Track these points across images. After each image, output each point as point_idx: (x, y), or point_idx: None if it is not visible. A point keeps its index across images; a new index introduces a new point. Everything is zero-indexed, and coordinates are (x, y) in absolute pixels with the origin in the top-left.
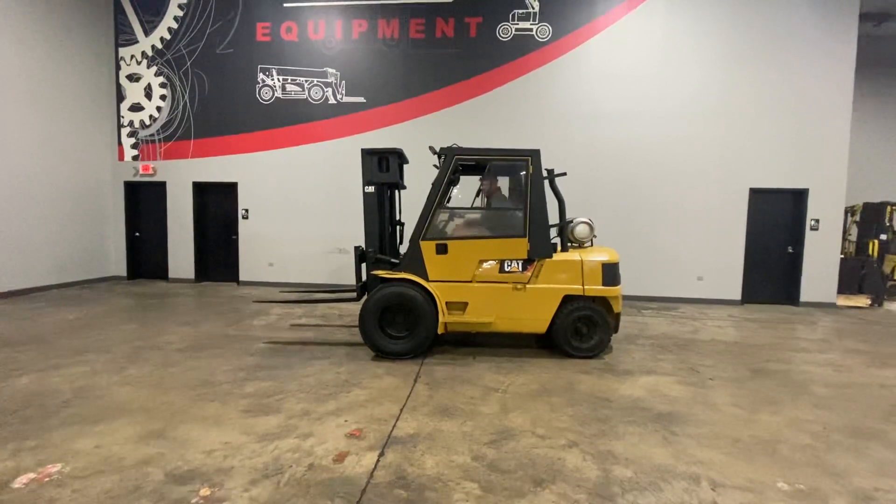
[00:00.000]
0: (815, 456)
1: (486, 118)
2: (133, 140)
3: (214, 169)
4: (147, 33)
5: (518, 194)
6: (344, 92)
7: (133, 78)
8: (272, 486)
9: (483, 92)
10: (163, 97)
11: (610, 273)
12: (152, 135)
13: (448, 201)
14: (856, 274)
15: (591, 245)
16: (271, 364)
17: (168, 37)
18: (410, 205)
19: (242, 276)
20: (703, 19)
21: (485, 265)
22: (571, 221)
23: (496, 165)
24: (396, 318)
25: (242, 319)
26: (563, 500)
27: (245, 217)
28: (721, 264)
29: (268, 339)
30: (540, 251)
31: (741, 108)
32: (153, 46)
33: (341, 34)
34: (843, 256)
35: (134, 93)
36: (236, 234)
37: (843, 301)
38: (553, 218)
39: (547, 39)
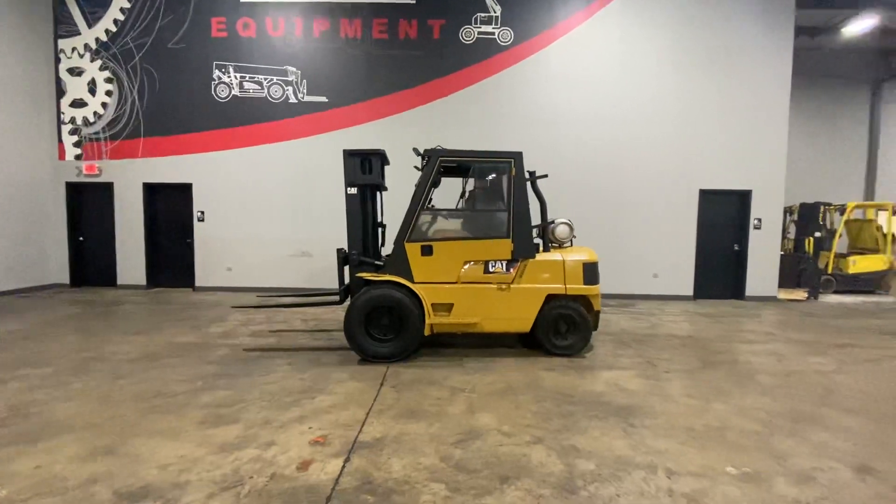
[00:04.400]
0: (760, 441)
1: (450, 120)
2: (75, 138)
3: (167, 169)
4: (90, 25)
5: (498, 195)
6: (305, 91)
7: (75, 72)
8: (232, 498)
9: (447, 94)
10: (108, 93)
11: (590, 272)
12: (97, 132)
13: (430, 203)
14: (794, 269)
15: (571, 245)
16: (230, 372)
17: (114, 29)
18: (386, 206)
19: (199, 282)
20: (655, 29)
21: (469, 266)
22: (553, 222)
23: (479, 167)
24: (382, 321)
25: (199, 327)
26: (528, 495)
27: (201, 219)
28: (675, 262)
29: (227, 346)
30: (523, 252)
31: (691, 113)
32: (97, 39)
33: (302, 32)
34: (782, 253)
35: (76, 88)
36: (191, 237)
37: (783, 295)
38: (534, 219)
39: (509, 43)
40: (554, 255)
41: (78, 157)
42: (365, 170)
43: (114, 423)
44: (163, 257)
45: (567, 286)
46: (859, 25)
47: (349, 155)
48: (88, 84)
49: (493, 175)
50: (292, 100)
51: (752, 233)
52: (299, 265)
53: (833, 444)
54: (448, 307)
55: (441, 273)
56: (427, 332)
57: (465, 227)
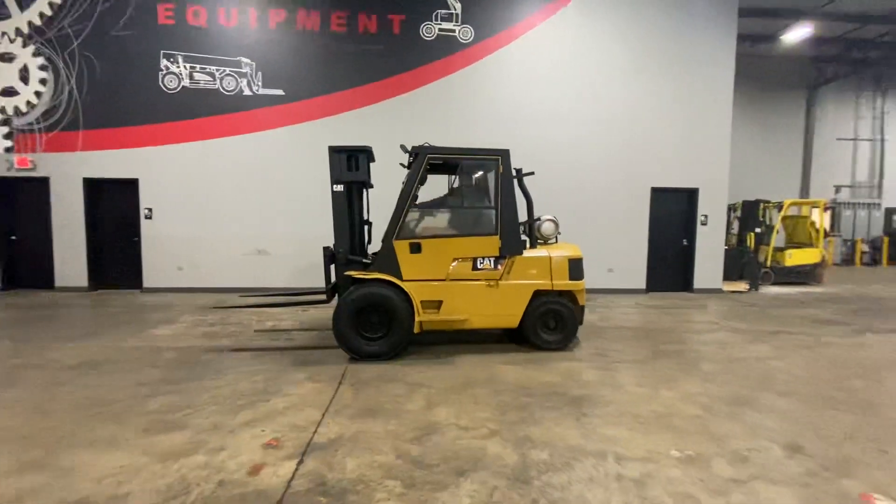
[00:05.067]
0: (702, 425)
1: (411, 116)
2: (6, 129)
3: (110, 163)
4: (23, 7)
5: (483, 192)
6: (261, 84)
7: (5, 58)
8: None
9: (408, 90)
10: (43, 81)
11: (575, 268)
12: (30, 123)
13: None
14: (737, 263)
15: (556, 241)
16: (179, 377)
17: (49, 13)
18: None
19: (147, 282)
20: (609, 33)
21: (458, 263)
22: (539, 219)
23: (466, 164)
24: (371, 319)
25: (146, 329)
26: (483, 487)
27: (148, 217)
28: (629, 257)
29: (175, 349)
30: (511, 249)
31: (643, 114)
32: (30, 23)
33: (256, 23)
34: (726, 248)
35: (6, 75)
36: (138, 235)
37: (727, 287)
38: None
39: (470, 41)
40: (540, 252)
41: (8, 150)
42: (351, 166)
43: (48, 434)
44: (107, 257)
45: (553, 282)
46: (796, 35)
47: (334, 151)
48: (20, 71)
49: (479, 172)
50: (247, 92)
51: (699, 229)
52: (255, 264)
53: (767, 425)
54: (437, 304)
55: (430, 270)
56: (417, 329)
57: (454, 224)
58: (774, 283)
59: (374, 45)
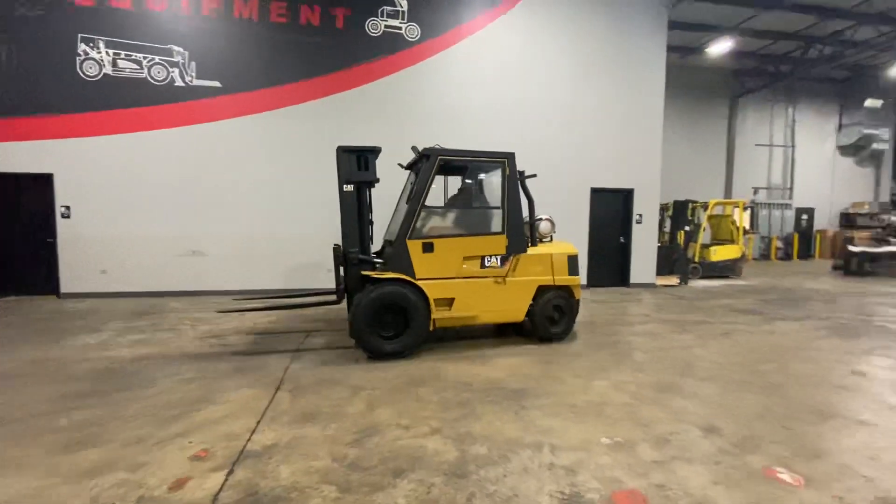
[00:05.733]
0: (630, 412)
1: (357, 113)
2: None
3: (19, 156)
4: None
5: (485, 193)
6: (194, 74)
7: None
8: None
9: (353, 86)
10: None
11: (573, 264)
12: None
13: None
14: (669, 259)
15: (552, 240)
16: (101, 389)
17: None
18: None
19: (65, 287)
20: (552, 37)
21: (467, 261)
22: (540, 219)
23: (473, 166)
24: (385, 318)
25: (65, 338)
26: (420, 486)
27: (66, 216)
28: None
29: (99, 359)
30: (517, 247)
31: (584, 117)
32: None
33: (189, 8)
34: (659, 245)
35: None
36: (53, 236)
37: (660, 281)
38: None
39: (417, 39)
40: (541, 250)
41: None
42: (361, 166)
43: None
44: (15, 260)
45: (555, 277)
46: (719, 48)
47: (344, 151)
48: None
49: (482, 174)
50: (179, 83)
51: (635, 227)
52: (191, 266)
53: (688, 409)
54: (449, 302)
55: (442, 269)
56: (430, 327)
57: (463, 224)
58: (702, 277)
59: (318, 39)
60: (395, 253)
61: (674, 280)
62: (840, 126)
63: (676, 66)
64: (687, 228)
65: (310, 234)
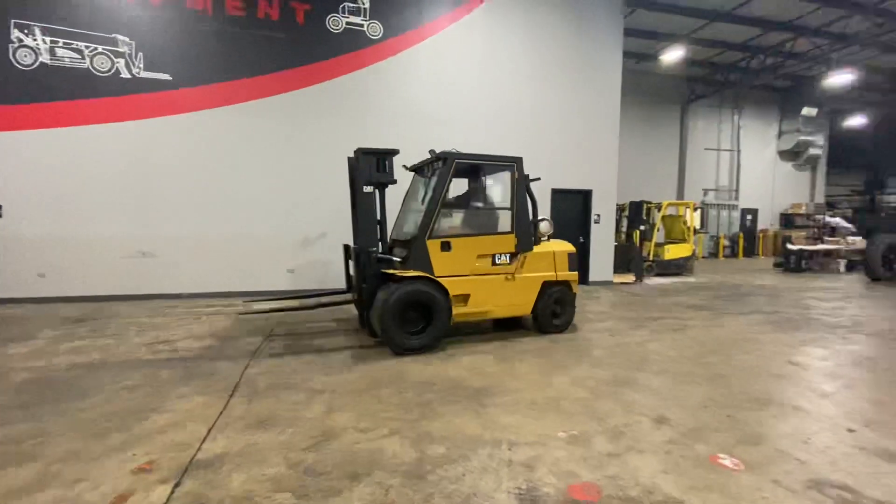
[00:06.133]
0: (586, 406)
1: (317, 110)
2: None
3: None
4: None
5: (492, 194)
6: (142, 66)
7: None
8: None
9: (314, 83)
10: None
11: (572, 261)
12: None
13: (415, 200)
14: (625, 257)
15: (549, 239)
16: (32, 401)
17: None
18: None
19: None
20: (513, 40)
21: (481, 259)
22: (543, 219)
23: (486, 168)
24: (408, 315)
25: None
26: (377, 489)
27: None
28: None
29: (31, 369)
30: (524, 245)
31: (544, 119)
32: None
33: None
34: (616, 244)
35: None
36: None
37: (617, 279)
38: None
39: (379, 37)
40: (545, 248)
41: None
42: (380, 168)
43: None
44: None
45: (557, 273)
46: (671, 56)
47: (364, 153)
48: None
49: (487, 177)
50: (125, 75)
51: (594, 227)
52: (139, 268)
53: (641, 401)
54: (465, 298)
55: (458, 267)
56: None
57: (476, 224)
58: (656, 275)
59: (277, 34)
60: (416, 251)
61: (630, 278)
62: (780, 132)
63: (632, 72)
64: (642, 228)
65: (268, 233)
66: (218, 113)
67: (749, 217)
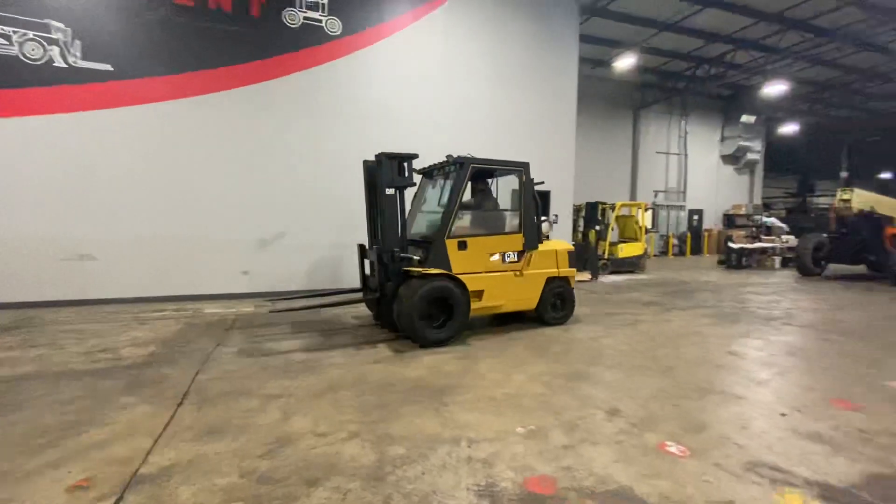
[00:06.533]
0: (544, 401)
1: (272, 106)
2: None
3: None
4: None
5: (487, 197)
6: (79, 55)
7: None
8: None
9: (268, 78)
10: None
11: (571, 258)
12: None
13: (425, 202)
14: (581, 256)
15: (548, 238)
16: None
17: None
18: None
19: None
20: (473, 42)
21: (493, 257)
22: (544, 220)
23: (496, 172)
24: (430, 310)
25: None
26: (335, 493)
27: None
28: None
29: None
30: (531, 244)
31: (504, 120)
32: None
33: None
34: (573, 243)
35: None
36: None
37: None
38: None
39: (338, 34)
40: (548, 246)
41: None
42: (402, 171)
43: None
44: None
45: (559, 270)
46: (624, 63)
47: (388, 158)
48: None
49: (490, 180)
50: (59, 63)
51: (552, 227)
52: (76, 272)
53: (595, 395)
54: (479, 293)
55: (473, 264)
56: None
57: (488, 224)
58: (611, 273)
59: (229, 26)
60: (436, 251)
61: (586, 276)
62: (723, 138)
63: (588, 78)
64: (598, 228)
65: (221, 234)
66: (164, 107)
67: (695, 217)
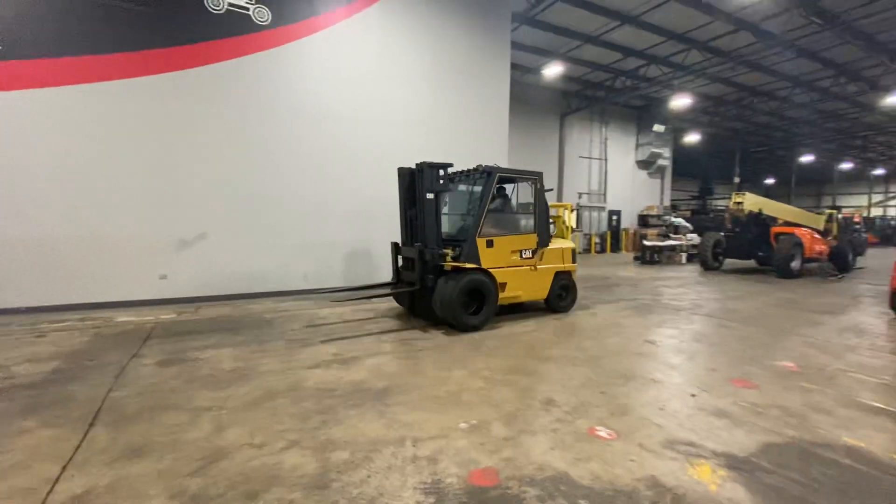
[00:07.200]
0: (484, 395)
1: (194, 97)
2: None
3: None
4: None
5: (507, 202)
6: None
7: None
8: None
9: (188, 66)
10: None
11: (574, 255)
12: None
13: (445, 204)
14: None
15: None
16: None
17: None
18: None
19: None
20: (408, 41)
21: (513, 254)
22: (551, 222)
23: (516, 179)
24: (466, 299)
25: None
26: None
27: None
28: None
29: None
30: (544, 242)
31: (438, 122)
32: None
33: None
34: None
35: None
36: None
37: None
38: None
39: (267, 23)
40: (556, 244)
41: None
42: (439, 178)
43: None
44: None
45: (565, 265)
46: (551, 71)
47: (429, 166)
48: None
49: (506, 186)
50: None
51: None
52: None
53: (532, 386)
54: (504, 285)
55: (498, 260)
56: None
57: (509, 225)
58: None
59: (141, 6)
60: (468, 248)
61: None
62: (637, 145)
63: (518, 83)
64: None
65: (134, 234)
66: (65, 92)
67: (615, 217)
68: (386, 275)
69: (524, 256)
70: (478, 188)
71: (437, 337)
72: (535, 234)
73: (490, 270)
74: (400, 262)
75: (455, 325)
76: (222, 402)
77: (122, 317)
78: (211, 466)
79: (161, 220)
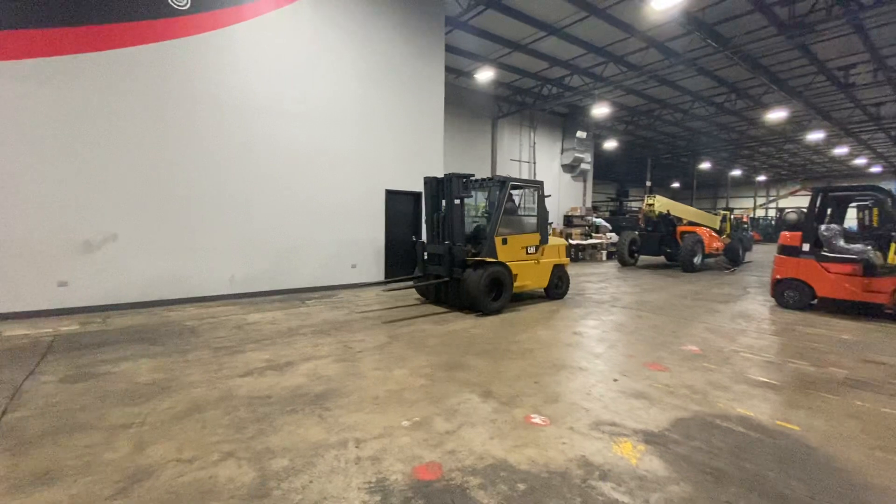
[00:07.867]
0: (426, 392)
1: (102, 83)
2: None
3: None
4: None
5: (516, 205)
6: None
7: None
8: None
9: (95, 49)
10: None
11: (568, 251)
12: None
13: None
14: None
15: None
16: None
17: None
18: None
19: None
20: (342, 37)
21: (522, 250)
22: (550, 223)
23: (523, 187)
24: (489, 288)
25: None
26: None
27: None
28: (369, 252)
29: None
30: (544, 240)
31: (373, 121)
32: None
33: None
34: None
35: None
36: None
37: None
38: None
39: (186, 8)
40: (553, 242)
41: None
42: (466, 186)
43: None
44: None
45: (560, 259)
46: (483, 76)
47: (456, 177)
48: None
49: (515, 192)
50: None
51: (424, 226)
52: None
53: (470, 380)
54: (516, 276)
55: (511, 255)
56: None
57: (518, 225)
58: None
59: None
60: (488, 244)
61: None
62: (562, 149)
63: (453, 86)
64: None
65: (27, 235)
66: None
67: None
68: (308, 275)
69: (530, 252)
70: (482, 192)
71: (376, 337)
72: (538, 233)
73: (507, 263)
74: (425, 257)
75: (480, 308)
76: (142, 418)
77: (14, 330)
78: (134, 487)
79: (61, 220)
